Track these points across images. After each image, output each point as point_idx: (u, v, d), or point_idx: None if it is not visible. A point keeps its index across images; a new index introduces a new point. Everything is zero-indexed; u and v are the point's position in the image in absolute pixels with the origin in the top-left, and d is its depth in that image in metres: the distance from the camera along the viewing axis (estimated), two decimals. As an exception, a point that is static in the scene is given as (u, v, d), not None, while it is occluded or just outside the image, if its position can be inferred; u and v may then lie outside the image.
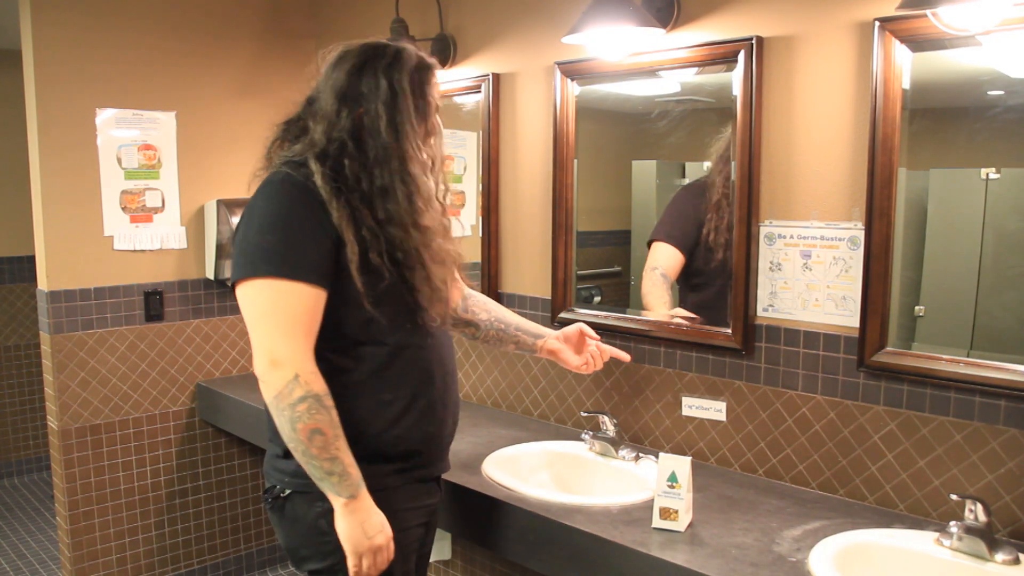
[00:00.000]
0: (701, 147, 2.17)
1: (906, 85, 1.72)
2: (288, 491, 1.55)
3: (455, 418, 1.71)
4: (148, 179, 2.98)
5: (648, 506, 1.79)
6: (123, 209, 2.93)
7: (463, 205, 2.82)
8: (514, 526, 1.87)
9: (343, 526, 1.46)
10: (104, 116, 2.86)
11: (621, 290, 2.45)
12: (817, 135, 1.89)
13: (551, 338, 1.98)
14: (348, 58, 1.54)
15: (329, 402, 1.44)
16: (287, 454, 1.51)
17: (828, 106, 1.86)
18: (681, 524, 1.70)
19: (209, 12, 3.08)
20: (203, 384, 3.12)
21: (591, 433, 2.18)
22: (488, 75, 2.61)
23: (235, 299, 1.49)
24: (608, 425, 2.14)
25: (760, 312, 2.02)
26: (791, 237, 1.95)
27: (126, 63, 2.89)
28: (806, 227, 1.93)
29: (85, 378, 2.89)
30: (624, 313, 2.34)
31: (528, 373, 2.60)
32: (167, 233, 3.04)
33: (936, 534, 1.61)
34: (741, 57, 1.96)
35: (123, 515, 3.01)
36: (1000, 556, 1.51)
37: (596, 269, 2.50)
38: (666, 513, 1.71)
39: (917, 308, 1.82)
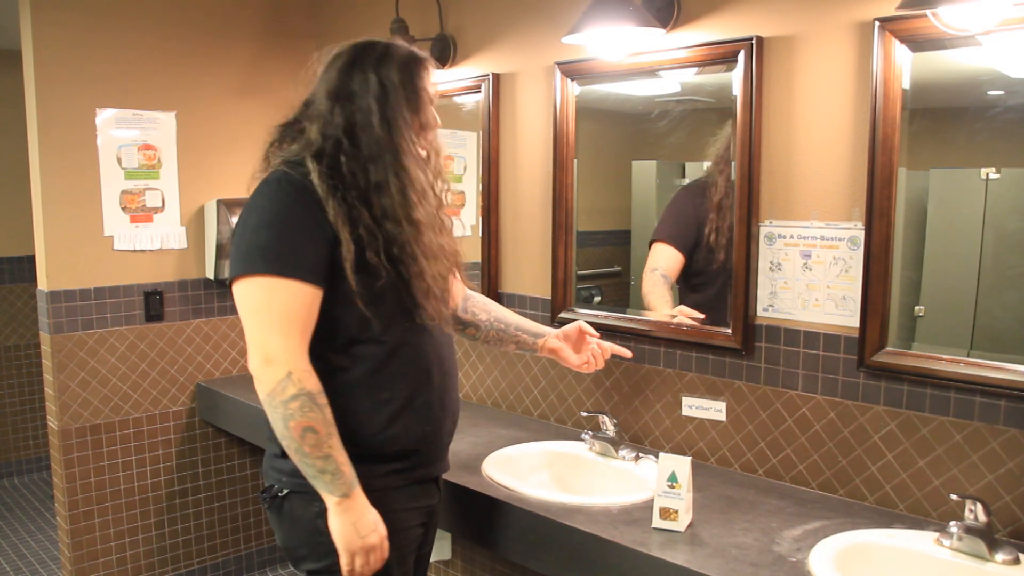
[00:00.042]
0: (701, 147, 2.17)
1: (906, 85, 1.72)
2: (286, 491, 1.55)
3: (454, 418, 1.71)
4: (148, 179, 2.98)
5: (648, 506, 1.79)
6: (123, 209, 2.93)
7: (463, 205, 2.82)
8: (514, 526, 1.87)
9: (336, 525, 1.47)
10: (104, 116, 2.86)
11: (621, 290, 2.45)
12: (817, 135, 1.89)
13: (551, 337, 1.98)
14: (339, 58, 1.55)
15: (322, 400, 1.45)
16: (285, 453, 1.51)
17: (828, 106, 1.86)
18: (681, 524, 1.70)
19: (209, 12, 3.08)
20: (203, 384, 3.12)
21: (591, 433, 2.18)
22: (488, 75, 2.61)
23: (233, 298, 1.50)
24: (608, 425, 2.14)
25: (760, 312, 2.02)
26: (791, 237, 1.95)
27: (126, 63, 2.89)
28: (806, 227, 1.93)
29: (85, 378, 2.89)
30: (624, 313, 2.34)
31: (528, 373, 2.60)
32: (167, 233, 3.04)
33: (936, 534, 1.61)
34: (741, 57, 1.96)
35: (123, 515, 3.01)
36: (1000, 556, 1.51)
37: (596, 269, 2.50)
38: (666, 513, 1.71)
39: (917, 308, 1.82)
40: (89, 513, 2.93)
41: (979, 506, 1.54)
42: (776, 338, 2.00)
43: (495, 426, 2.49)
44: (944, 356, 1.72)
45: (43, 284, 2.83)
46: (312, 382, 1.44)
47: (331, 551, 1.50)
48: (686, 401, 2.19)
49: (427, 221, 1.54)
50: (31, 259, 3.44)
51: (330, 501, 1.46)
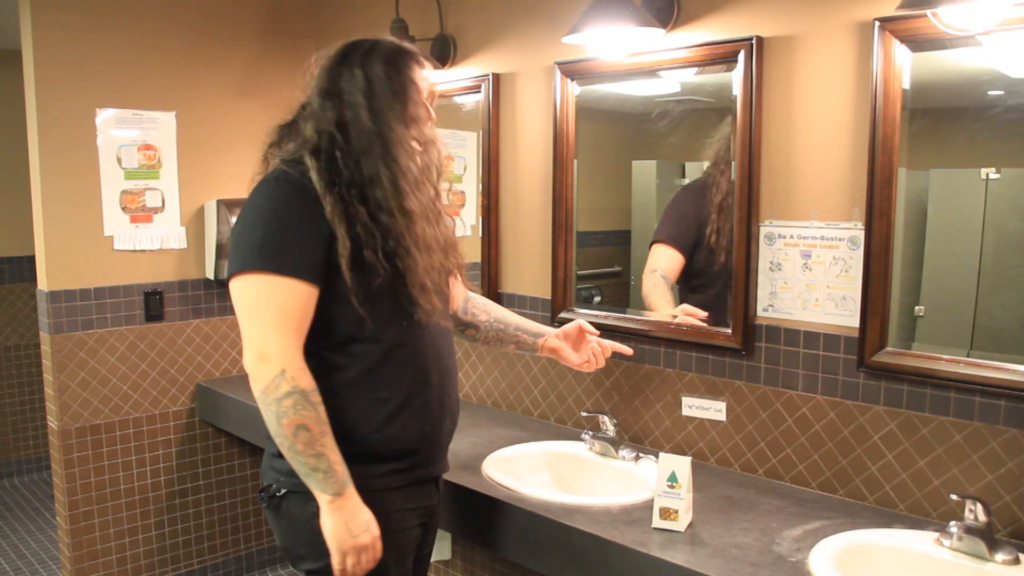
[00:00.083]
0: (701, 147, 2.17)
1: (906, 85, 1.72)
2: (284, 490, 1.55)
3: (453, 418, 1.70)
4: (148, 179, 2.98)
5: (648, 506, 1.79)
6: (123, 209, 2.93)
7: (463, 205, 2.82)
8: (514, 526, 1.87)
9: (328, 523, 1.46)
10: (104, 116, 2.86)
11: (621, 290, 2.45)
12: (817, 135, 1.89)
13: (551, 336, 1.98)
14: (329, 57, 1.57)
15: (316, 398, 1.45)
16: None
17: (828, 106, 1.86)
18: (681, 524, 1.70)
19: (209, 12, 3.08)
20: (203, 384, 3.12)
21: (591, 433, 2.18)
22: (488, 75, 2.61)
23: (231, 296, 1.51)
24: (608, 425, 2.14)
25: (760, 312, 2.02)
26: (791, 237, 1.95)
27: (126, 63, 2.89)
28: (806, 227, 1.93)
29: (85, 378, 2.89)
30: (624, 313, 2.34)
31: (528, 373, 2.60)
32: (167, 233, 3.04)
33: (936, 534, 1.61)
34: (741, 57, 1.96)
35: (123, 515, 3.01)
36: (1000, 556, 1.51)
37: (596, 269, 2.50)
38: (666, 513, 1.71)
39: (917, 308, 1.82)
40: (89, 513, 2.93)
41: (979, 506, 1.54)
42: (776, 338, 2.00)
43: (495, 426, 2.49)
44: (944, 356, 1.72)
45: (43, 284, 2.83)
46: (306, 380, 1.44)
47: (329, 551, 1.50)
48: (686, 401, 2.19)
49: (420, 211, 1.53)
50: (31, 259, 3.44)
51: (322, 500, 1.46)
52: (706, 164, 2.17)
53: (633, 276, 2.39)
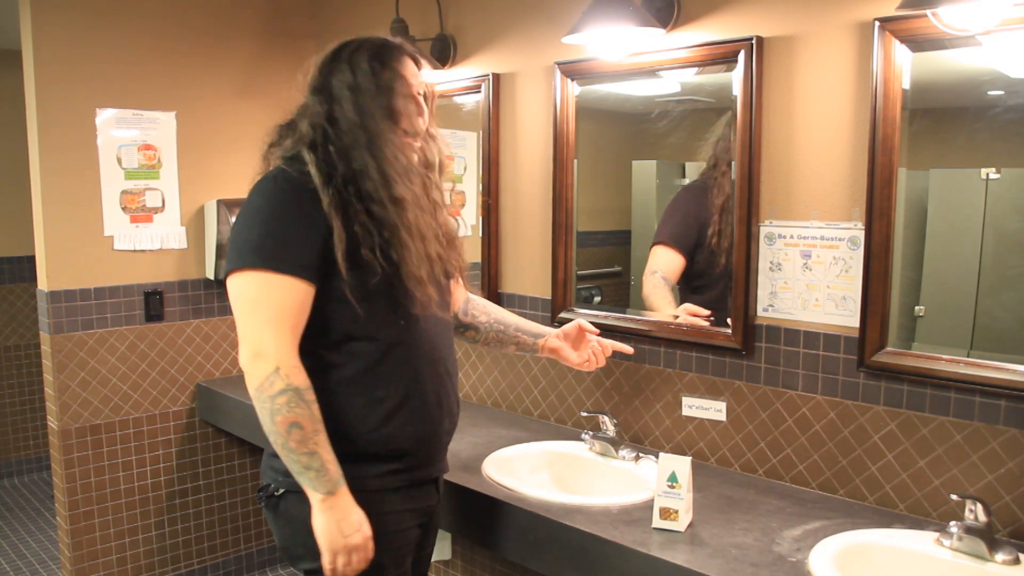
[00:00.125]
0: (701, 147, 2.17)
1: (906, 85, 1.72)
2: (282, 490, 1.55)
3: (453, 419, 1.70)
4: (148, 179, 2.98)
5: (648, 506, 1.79)
6: (123, 209, 2.93)
7: (463, 205, 2.82)
8: (514, 526, 1.87)
9: (319, 522, 1.46)
10: (104, 116, 2.86)
11: (621, 290, 2.45)
12: (817, 135, 1.89)
13: (551, 337, 1.97)
14: (321, 58, 1.60)
15: (310, 396, 1.45)
16: None
17: (828, 106, 1.86)
18: (681, 524, 1.70)
19: (209, 12, 3.08)
20: (203, 384, 3.12)
21: (591, 433, 2.18)
22: (488, 75, 2.61)
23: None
24: (608, 425, 2.14)
25: (760, 312, 2.02)
26: (791, 237, 1.95)
27: (126, 63, 2.89)
28: (806, 227, 1.93)
29: (85, 378, 2.89)
30: (624, 313, 2.34)
31: (528, 373, 2.60)
32: (167, 233, 3.04)
33: (936, 534, 1.61)
34: (741, 57, 1.96)
35: (123, 515, 3.01)
36: (1000, 556, 1.51)
37: (596, 269, 2.50)
38: (666, 513, 1.71)
39: (917, 308, 1.82)
40: (89, 513, 2.93)
41: (979, 506, 1.54)
42: (776, 338, 2.00)
43: (495, 426, 2.49)
44: (944, 356, 1.72)
45: (43, 284, 2.83)
46: (300, 378, 1.44)
47: None
48: (686, 401, 2.19)
49: (412, 199, 1.53)
50: (31, 259, 3.45)
51: (314, 498, 1.46)
52: (709, 163, 2.17)
53: (633, 276, 2.39)
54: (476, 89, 2.67)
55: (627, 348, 2.02)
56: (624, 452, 2.11)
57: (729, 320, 2.06)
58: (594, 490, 2.07)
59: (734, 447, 2.10)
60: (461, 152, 2.80)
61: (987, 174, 1.72)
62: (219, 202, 3.03)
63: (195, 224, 3.10)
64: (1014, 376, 1.62)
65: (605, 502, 1.86)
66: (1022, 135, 1.66)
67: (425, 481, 1.66)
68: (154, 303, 3.02)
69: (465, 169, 2.80)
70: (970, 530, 1.54)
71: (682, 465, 1.70)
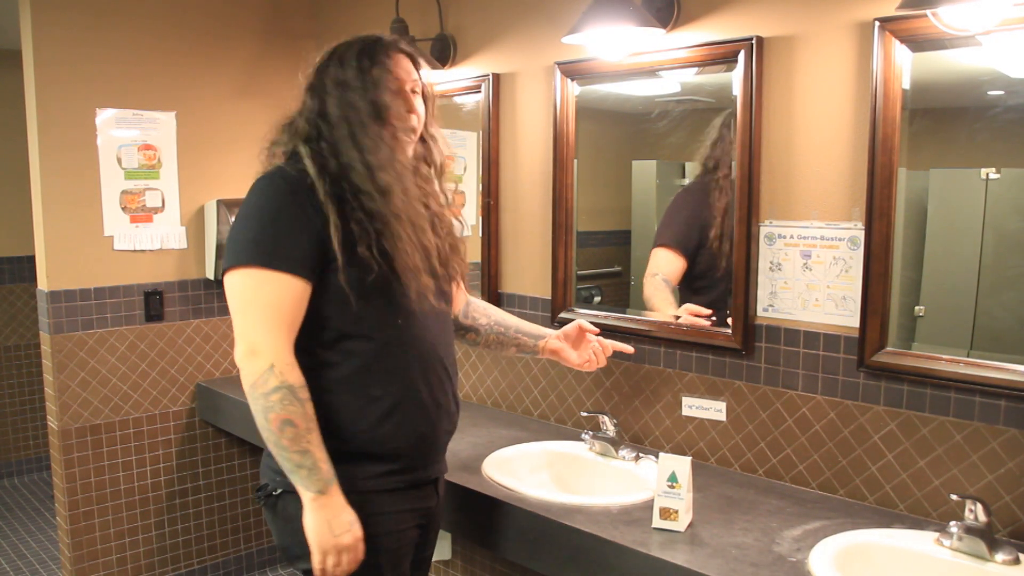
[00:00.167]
0: (701, 147, 2.16)
1: (906, 85, 1.72)
2: (280, 490, 1.55)
3: (451, 419, 1.68)
4: (148, 179, 2.98)
5: (648, 506, 1.79)
6: (123, 209, 2.93)
7: (463, 205, 2.82)
8: (514, 526, 1.87)
9: (310, 521, 1.46)
10: (104, 116, 2.86)
11: (621, 290, 2.45)
12: (817, 135, 1.89)
13: (552, 338, 1.97)
14: (320, 57, 1.61)
15: (304, 395, 1.45)
16: None
17: (828, 106, 1.86)
18: (681, 524, 1.70)
19: (209, 12, 3.08)
20: (203, 384, 3.12)
21: (591, 433, 2.18)
22: (488, 75, 2.61)
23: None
24: (608, 425, 2.14)
25: (760, 312, 2.02)
26: (791, 237, 1.95)
27: (126, 63, 2.89)
28: (806, 227, 1.93)
29: (85, 378, 2.89)
30: (624, 313, 2.34)
31: (528, 373, 2.60)
32: (167, 233, 3.04)
33: (936, 534, 1.62)
34: (741, 57, 1.96)
35: (123, 515, 3.01)
36: (1000, 556, 1.51)
37: (596, 269, 2.50)
38: (666, 513, 1.71)
39: (917, 308, 1.82)
40: (89, 513, 2.93)
41: (979, 506, 1.54)
42: (776, 338, 2.00)
43: (495, 426, 2.49)
44: (944, 356, 1.72)
45: (43, 284, 2.83)
46: (294, 376, 1.44)
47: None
48: (686, 401, 2.19)
49: (399, 188, 1.53)
50: (31, 259, 3.44)
51: (306, 497, 1.46)
52: (706, 165, 2.17)
53: (633, 276, 2.39)
54: (476, 89, 2.67)
55: (627, 348, 2.02)
56: (624, 452, 2.11)
57: (729, 320, 2.06)
58: (594, 490, 2.07)
59: (734, 447, 2.10)
60: (461, 152, 2.80)
61: (987, 174, 1.72)
62: (219, 202, 3.03)
63: (195, 224, 3.10)
64: (1014, 376, 1.62)
65: (605, 502, 1.86)
66: (1022, 135, 1.66)
67: (423, 482, 1.65)
68: (154, 303, 3.02)
69: (465, 169, 2.81)
70: (970, 530, 1.54)
71: (682, 465, 1.70)
